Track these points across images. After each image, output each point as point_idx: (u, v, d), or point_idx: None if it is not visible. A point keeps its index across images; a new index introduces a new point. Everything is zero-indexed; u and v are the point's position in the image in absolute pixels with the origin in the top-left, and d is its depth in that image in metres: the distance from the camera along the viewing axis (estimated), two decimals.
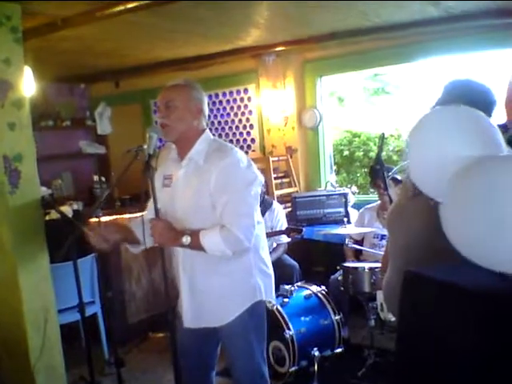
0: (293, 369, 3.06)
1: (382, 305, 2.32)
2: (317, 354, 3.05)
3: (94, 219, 3.32)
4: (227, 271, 2.08)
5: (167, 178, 2.16)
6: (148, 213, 2.17)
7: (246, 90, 5.21)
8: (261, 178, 2.11)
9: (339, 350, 3.24)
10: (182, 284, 2.14)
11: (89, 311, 3.42)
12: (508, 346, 1.23)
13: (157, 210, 2.04)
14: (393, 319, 2.25)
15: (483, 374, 1.28)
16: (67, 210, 3.79)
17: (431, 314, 1.42)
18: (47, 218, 3.36)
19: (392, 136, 6.78)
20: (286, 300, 3.24)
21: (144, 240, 2.04)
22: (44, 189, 4.28)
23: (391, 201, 3.17)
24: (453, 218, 1.36)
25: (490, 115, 1.78)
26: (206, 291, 2.10)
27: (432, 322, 1.42)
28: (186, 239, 1.97)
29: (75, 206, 4.36)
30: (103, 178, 5.59)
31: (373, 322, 3.22)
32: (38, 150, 2.95)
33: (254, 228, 2.01)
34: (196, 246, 1.98)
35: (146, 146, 2.03)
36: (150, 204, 2.13)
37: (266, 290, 2.16)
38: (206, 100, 2.18)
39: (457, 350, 1.34)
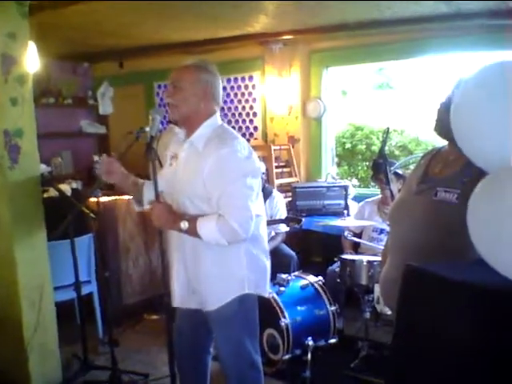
0: (286, 357, 3.07)
1: (378, 298, 2.31)
2: (311, 343, 3.06)
3: (93, 199, 3.31)
4: (217, 260, 2.06)
5: (173, 157, 2.16)
6: (149, 186, 2.18)
7: (250, 78, 5.17)
8: (262, 169, 2.09)
9: (333, 341, 3.25)
10: (175, 263, 2.16)
11: (84, 290, 3.43)
12: (506, 342, 1.23)
13: (157, 193, 2.03)
14: (389, 313, 2.25)
15: (480, 370, 1.28)
16: (66, 188, 3.78)
17: (430, 309, 1.42)
18: (45, 195, 3.35)
19: (395, 131, 6.75)
20: (282, 289, 3.24)
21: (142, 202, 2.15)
22: (43, 166, 4.27)
23: (392, 195, 3.17)
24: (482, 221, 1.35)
25: None
26: (196, 274, 2.11)
27: (430, 317, 1.41)
28: (184, 224, 1.96)
29: (74, 185, 4.36)
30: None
31: (368, 315, 3.23)
32: (38, 127, 2.94)
33: (252, 219, 1.97)
34: (193, 232, 1.97)
35: (148, 128, 2.02)
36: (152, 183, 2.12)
37: (256, 284, 2.13)
38: (218, 83, 2.12)
39: (454, 345, 1.34)
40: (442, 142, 1.89)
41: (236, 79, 5.25)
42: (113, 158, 2.14)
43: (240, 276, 2.09)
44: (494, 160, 1.38)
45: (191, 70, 2.08)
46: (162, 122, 2.13)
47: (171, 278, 2.19)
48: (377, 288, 2.29)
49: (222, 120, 2.18)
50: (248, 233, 1.97)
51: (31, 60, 2.96)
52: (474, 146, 1.46)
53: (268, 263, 2.21)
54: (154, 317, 4.04)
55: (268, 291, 2.26)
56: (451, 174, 1.79)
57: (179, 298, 2.18)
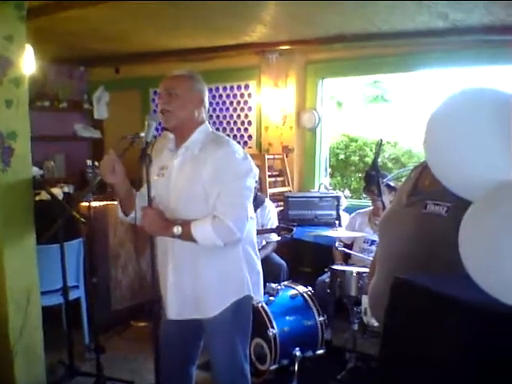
0: (273, 367, 3.06)
1: (366, 309, 2.31)
2: (298, 353, 3.05)
3: (85, 203, 3.30)
4: (216, 264, 2.07)
5: (162, 169, 2.15)
6: (139, 197, 2.14)
7: (246, 86, 5.20)
8: (256, 171, 2.10)
9: (321, 352, 3.24)
10: (169, 274, 2.12)
11: (72, 295, 3.41)
12: (493, 358, 1.23)
13: (150, 199, 2.03)
14: (376, 324, 2.25)
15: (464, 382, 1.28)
16: (58, 192, 3.75)
17: (417, 322, 1.42)
18: (37, 198, 3.34)
19: (388, 143, 6.79)
20: (271, 298, 3.24)
21: (135, 214, 2.06)
22: (36, 169, 4.26)
23: (384, 207, 3.18)
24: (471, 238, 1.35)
25: None
26: (193, 283, 2.09)
27: (418, 330, 1.41)
28: (177, 229, 1.95)
29: (66, 189, 4.34)
30: (96, 163, 5.55)
31: (356, 326, 3.23)
32: (32, 130, 2.93)
33: (247, 220, 2.00)
34: (187, 236, 1.96)
35: (143, 134, 2.02)
36: (143, 189, 2.11)
37: (253, 287, 2.15)
38: (207, 93, 2.19)
39: (441, 359, 1.34)
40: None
41: (232, 87, 5.28)
42: (118, 158, 2.09)
43: (240, 278, 2.10)
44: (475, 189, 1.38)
45: (185, 79, 2.11)
46: (156, 129, 2.13)
47: (165, 291, 2.15)
48: (364, 299, 2.29)
49: (217, 128, 2.19)
50: (243, 233, 1.98)
51: (28, 62, 2.96)
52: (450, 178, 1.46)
53: (260, 266, 2.23)
54: (142, 324, 4.01)
55: (262, 297, 2.26)
56: (441, 187, 1.79)
57: (176, 310, 2.13)
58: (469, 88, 1.47)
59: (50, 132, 5.45)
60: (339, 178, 7.21)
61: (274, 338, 3.05)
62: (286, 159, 4.94)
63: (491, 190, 1.34)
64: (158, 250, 2.17)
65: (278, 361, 3.07)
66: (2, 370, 2.87)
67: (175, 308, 2.14)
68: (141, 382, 3.14)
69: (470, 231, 1.36)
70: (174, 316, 2.15)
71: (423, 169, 1.96)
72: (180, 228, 1.95)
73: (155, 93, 5.78)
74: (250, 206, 2.05)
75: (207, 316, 2.10)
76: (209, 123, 2.20)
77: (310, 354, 3.19)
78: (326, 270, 3.42)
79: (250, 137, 5.25)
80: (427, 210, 1.78)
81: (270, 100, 4.97)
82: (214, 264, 2.06)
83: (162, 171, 2.15)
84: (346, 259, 3.93)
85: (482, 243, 1.30)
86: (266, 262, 3.83)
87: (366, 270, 3.09)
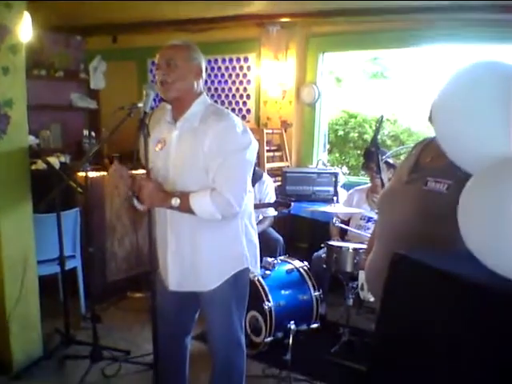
0: (268, 339, 3.10)
1: (362, 285, 2.33)
2: (293, 327, 3.08)
3: (82, 173, 3.27)
4: (215, 237, 2.06)
5: (160, 142, 2.11)
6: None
7: (246, 59, 5.12)
8: (256, 145, 2.08)
9: (315, 326, 3.28)
10: (169, 246, 2.11)
11: (69, 265, 3.41)
12: (491, 336, 1.24)
13: (148, 171, 2.01)
14: (371, 299, 2.27)
15: (462, 360, 1.29)
16: (54, 161, 3.72)
17: (416, 298, 1.42)
18: (33, 167, 3.31)
19: (388, 120, 6.76)
20: (267, 272, 3.26)
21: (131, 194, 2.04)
22: (32, 138, 4.22)
23: (383, 184, 3.17)
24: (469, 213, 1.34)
25: None
26: (193, 256, 2.08)
27: (416, 306, 1.42)
28: (176, 201, 1.94)
29: (62, 159, 4.29)
30: (93, 133, 5.51)
31: (351, 302, 3.26)
32: (28, 99, 2.89)
33: (246, 193, 2.00)
34: (185, 208, 1.95)
35: (141, 104, 1.98)
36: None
37: (251, 259, 2.16)
38: (204, 64, 2.14)
39: (437, 335, 1.35)
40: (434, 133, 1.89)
41: (231, 60, 5.20)
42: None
43: (239, 251, 2.11)
44: (477, 162, 1.36)
45: (184, 49, 2.06)
46: (154, 100, 2.08)
47: (165, 262, 2.14)
48: (361, 275, 2.30)
49: (215, 101, 2.16)
50: (241, 206, 1.98)
51: (25, 30, 2.91)
52: (455, 148, 1.44)
53: (257, 239, 2.23)
54: (138, 295, 4.04)
55: (259, 269, 2.27)
56: (442, 164, 1.79)
57: (177, 281, 2.13)
58: (479, 62, 1.44)
59: (46, 101, 5.37)
60: (337, 155, 7.19)
61: (270, 312, 3.07)
62: (284, 134, 4.91)
63: (492, 165, 1.33)
64: (157, 223, 2.15)
65: (272, 333, 3.10)
66: None
67: (176, 279, 2.13)
68: (136, 351, 3.17)
69: (470, 205, 1.35)
70: (175, 287, 2.14)
71: (424, 146, 1.95)
72: (178, 200, 1.94)
73: (153, 63, 5.65)
74: (249, 180, 2.04)
75: (206, 289, 2.11)
76: (207, 95, 2.16)
77: (304, 327, 3.22)
78: (323, 245, 3.43)
79: (248, 111, 5.19)
80: (428, 186, 1.78)
81: (269, 73, 4.90)
82: (213, 237, 2.06)
83: (160, 143, 2.11)
84: (343, 235, 3.94)
85: (482, 216, 1.30)
86: (262, 236, 3.82)
87: (362, 246, 3.11)
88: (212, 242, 2.06)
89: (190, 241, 2.07)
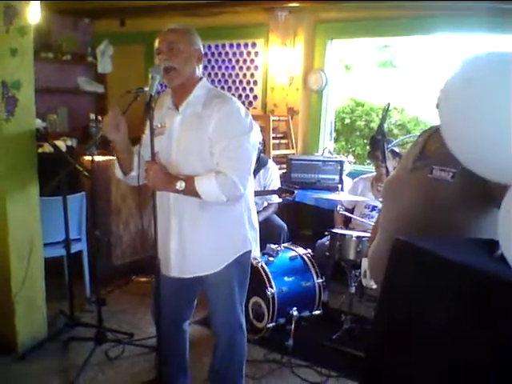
0: (270, 325, 3.12)
1: (365, 272, 2.34)
2: (295, 313, 3.10)
3: (88, 157, 3.29)
4: (218, 220, 2.08)
5: (161, 127, 2.11)
6: (143, 150, 2.09)
7: (253, 44, 5.09)
8: (257, 128, 2.08)
9: (317, 313, 3.30)
10: (172, 231, 2.11)
11: (74, 248, 3.44)
12: (492, 323, 1.25)
13: (153, 154, 2.00)
14: (374, 287, 2.27)
15: (461, 346, 1.30)
16: (61, 145, 3.74)
17: (416, 284, 1.43)
18: (40, 150, 3.32)
19: (395, 109, 6.72)
20: (271, 259, 3.27)
21: (138, 172, 1.99)
22: (39, 121, 4.23)
23: (388, 173, 3.16)
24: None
25: None
26: (197, 240, 2.09)
27: (416, 292, 1.43)
28: (181, 184, 1.94)
29: (69, 142, 4.32)
30: (99, 117, 5.50)
31: (353, 289, 3.27)
32: (35, 82, 2.89)
33: (250, 174, 2.01)
34: (190, 191, 1.95)
35: (147, 88, 1.96)
36: (144, 141, 2.07)
37: (253, 243, 2.19)
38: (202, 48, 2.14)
39: (438, 322, 1.36)
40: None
41: (239, 45, 5.17)
42: (122, 114, 2.01)
43: (243, 234, 2.13)
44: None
45: (186, 32, 2.05)
46: (160, 85, 2.07)
47: (167, 248, 2.12)
48: (364, 262, 2.31)
49: (216, 87, 2.16)
50: (245, 188, 1.99)
51: (34, 12, 2.90)
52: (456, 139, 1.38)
53: (257, 224, 2.25)
54: (143, 279, 4.06)
55: (259, 253, 2.28)
56: (449, 152, 1.77)
57: (178, 266, 2.13)
58: (486, 51, 1.42)
59: (53, 84, 5.38)
60: (344, 143, 7.16)
61: (273, 298, 3.09)
62: (290, 121, 4.89)
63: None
64: (159, 208, 2.13)
65: (275, 319, 3.12)
66: (4, 319, 2.93)
67: (178, 265, 2.13)
68: (140, 334, 3.20)
69: None
70: (176, 274, 2.14)
71: (431, 134, 1.94)
72: (183, 183, 1.94)
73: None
74: (253, 163, 2.05)
75: (209, 272, 2.12)
76: (213, 82, 2.15)
77: (306, 314, 3.24)
78: (326, 233, 3.43)
79: (255, 97, 5.17)
80: (433, 175, 1.78)
81: (277, 60, 4.87)
82: (216, 220, 2.07)
83: (160, 129, 2.10)
84: (347, 224, 3.94)
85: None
86: (266, 223, 3.86)
87: (366, 234, 3.11)
88: (215, 225, 2.07)
89: (193, 224, 2.08)
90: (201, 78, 2.10)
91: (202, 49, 2.10)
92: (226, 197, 1.95)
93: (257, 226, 2.24)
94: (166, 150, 2.08)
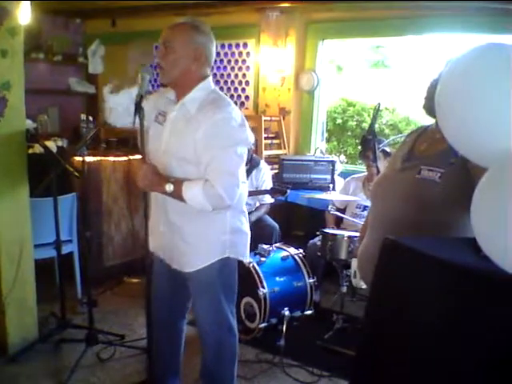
0: (262, 325, 3.12)
1: (355, 272, 2.35)
2: (287, 313, 3.11)
3: (79, 158, 3.27)
4: (202, 223, 2.06)
5: (161, 115, 2.11)
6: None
7: (245, 45, 5.09)
8: (251, 139, 2.06)
9: (309, 312, 3.30)
10: (161, 222, 2.14)
11: (65, 249, 3.42)
12: (481, 322, 1.25)
13: (144, 154, 2.01)
14: (364, 287, 2.28)
15: (450, 346, 1.30)
16: (51, 145, 3.71)
17: (406, 284, 1.44)
18: (30, 151, 3.30)
19: (387, 109, 6.74)
20: (263, 259, 3.27)
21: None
22: (29, 122, 4.21)
23: (378, 172, 3.18)
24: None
25: None
26: (179, 234, 2.10)
27: (406, 292, 1.43)
28: (169, 187, 1.94)
29: (60, 143, 4.29)
30: (90, 118, 5.48)
31: (345, 289, 3.29)
32: (26, 82, 2.88)
33: (238, 187, 1.96)
34: (178, 195, 1.95)
35: (137, 87, 1.97)
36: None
37: (238, 249, 2.15)
38: (211, 45, 2.05)
39: (427, 322, 1.36)
40: (431, 122, 1.89)
41: (230, 45, 5.16)
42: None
43: (222, 240, 2.10)
44: (490, 154, 1.24)
45: (184, 30, 1.99)
46: (152, 85, 2.08)
47: (158, 240, 2.18)
48: (354, 262, 2.32)
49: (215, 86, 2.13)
50: (233, 200, 1.95)
51: (24, 12, 2.88)
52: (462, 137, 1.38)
53: (248, 226, 2.22)
54: (134, 280, 4.05)
55: (248, 257, 2.27)
56: (436, 152, 1.79)
57: (166, 256, 2.19)
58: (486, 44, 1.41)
59: (44, 85, 5.36)
60: (335, 143, 7.18)
61: (264, 298, 3.09)
62: (282, 121, 4.90)
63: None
64: (152, 202, 2.16)
65: (267, 319, 3.12)
66: None
67: (166, 255, 2.18)
68: (132, 335, 3.19)
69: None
70: (167, 260, 2.18)
71: (419, 134, 1.95)
72: (172, 186, 1.94)
73: (156, 48, 5.66)
74: (242, 172, 2.00)
75: (185, 270, 2.12)
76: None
77: (298, 314, 3.25)
78: (318, 233, 3.44)
79: (247, 97, 5.17)
80: (421, 175, 1.78)
81: (268, 60, 4.88)
82: (199, 223, 2.06)
83: (160, 117, 2.10)
84: (338, 223, 3.95)
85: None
86: (258, 223, 3.87)
87: (357, 234, 3.12)
88: (197, 226, 2.07)
89: (177, 220, 2.09)
90: (203, 78, 2.03)
91: (203, 47, 2.01)
92: (210, 206, 1.94)
93: (247, 230, 2.20)
94: (158, 144, 2.08)
